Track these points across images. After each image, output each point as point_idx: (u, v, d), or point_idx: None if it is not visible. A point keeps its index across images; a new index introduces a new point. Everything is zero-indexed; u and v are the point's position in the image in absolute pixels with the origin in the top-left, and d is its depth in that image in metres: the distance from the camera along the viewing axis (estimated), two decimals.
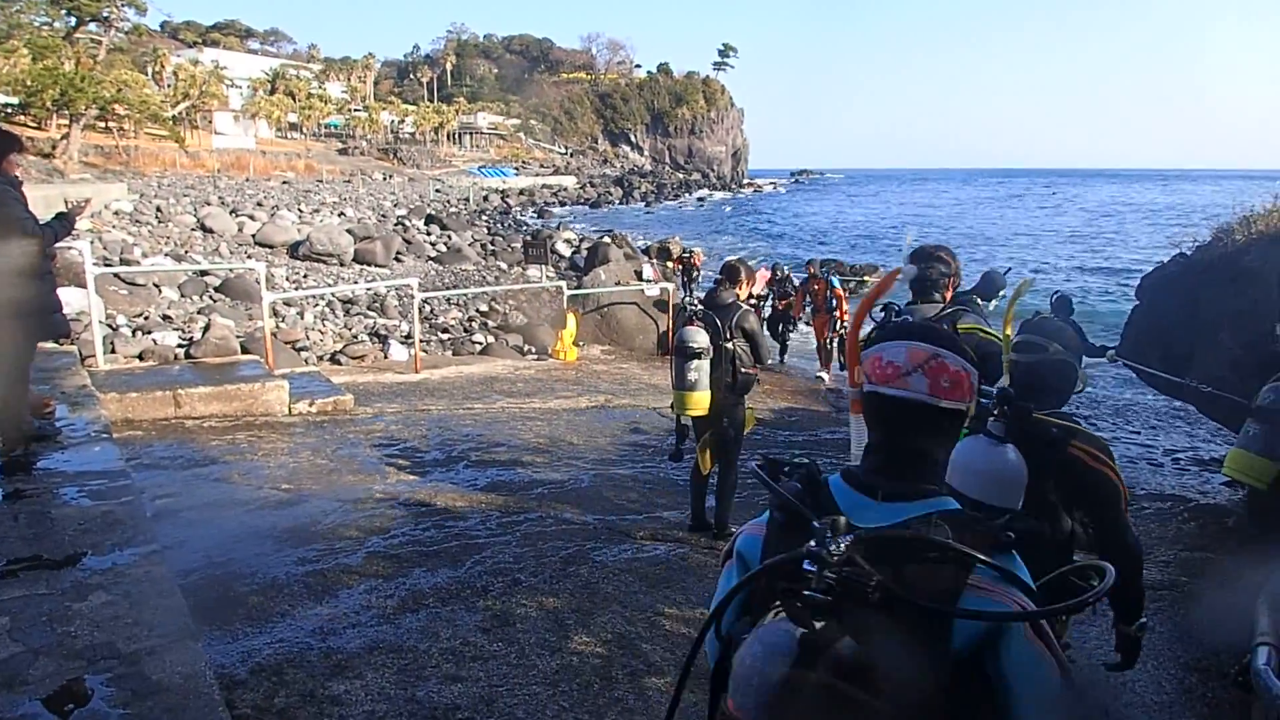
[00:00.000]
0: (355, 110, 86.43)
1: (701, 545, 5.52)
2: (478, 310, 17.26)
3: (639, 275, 16.94)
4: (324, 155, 68.91)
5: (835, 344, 12.51)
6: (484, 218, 44.39)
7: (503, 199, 58.75)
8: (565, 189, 74.69)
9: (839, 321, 12.43)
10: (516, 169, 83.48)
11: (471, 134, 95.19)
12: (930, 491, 1.48)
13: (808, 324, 13.71)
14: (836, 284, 12.66)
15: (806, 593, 1.29)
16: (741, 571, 1.56)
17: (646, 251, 26.76)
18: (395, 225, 31.59)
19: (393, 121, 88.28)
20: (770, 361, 5.95)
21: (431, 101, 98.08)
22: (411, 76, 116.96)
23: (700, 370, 5.35)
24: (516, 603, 4.36)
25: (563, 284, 15.12)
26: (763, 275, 13.70)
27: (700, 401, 5.40)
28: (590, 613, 4.32)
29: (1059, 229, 51.92)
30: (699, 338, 5.35)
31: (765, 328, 13.13)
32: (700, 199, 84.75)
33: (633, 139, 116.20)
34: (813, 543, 1.33)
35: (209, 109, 63.91)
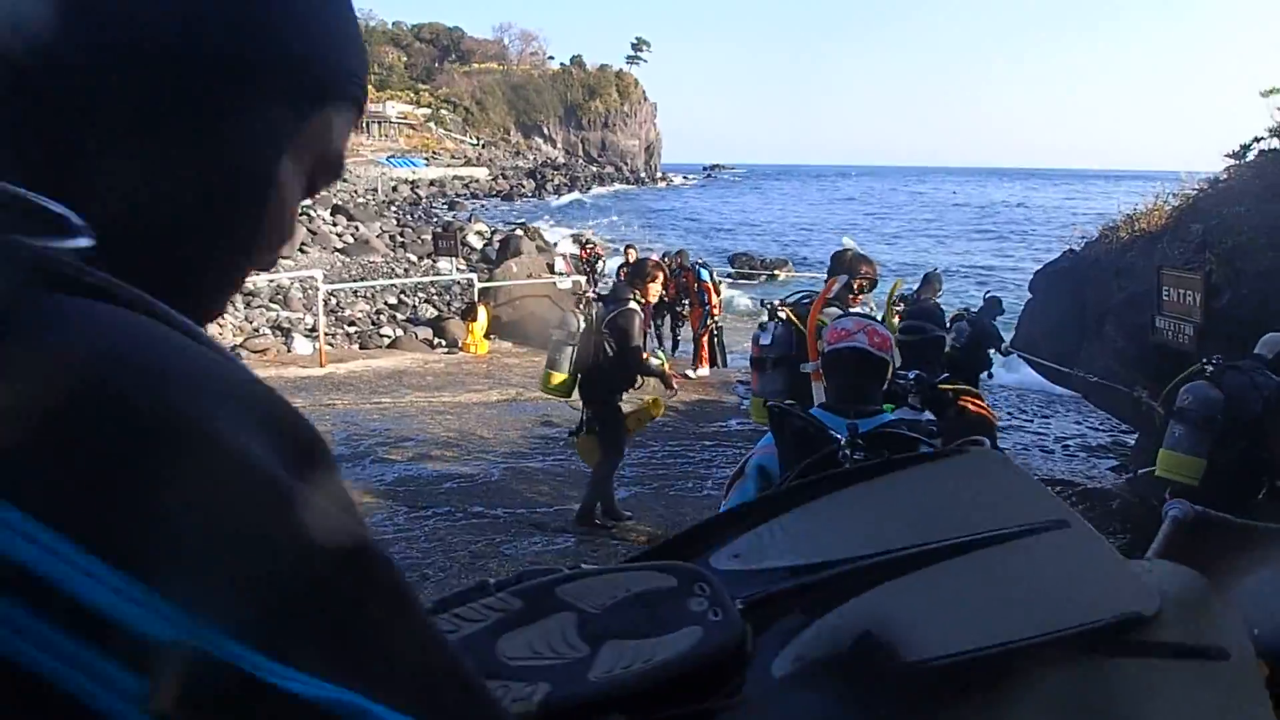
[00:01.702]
0: None
1: (613, 534, 5.54)
2: (386, 303, 16.93)
3: (551, 268, 16.87)
4: None
5: (708, 338, 12.00)
6: (393, 209, 43.49)
7: (412, 190, 57.61)
8: (477, 180, 73.69)
9: (711, 315, 12.00)
10: (427, 159, 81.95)
11: (380, 123, 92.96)
12: (879, 409, 2.44)
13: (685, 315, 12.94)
14: (705, 276, 12.17)
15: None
16: (761, 479, 2.33)
17: (556, 245, 26.66)
18: (300, 215, 30.63)
19: None
20: (658, 364, 5.81)
21: None
22: None
23: (562, 353, 5.47)
24: (424, 600, 4.29)
25: (473, 276, 14.94)
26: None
27: (558, 382, 5.51)
28: None
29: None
30: (570, 322, 5.49)
31: (659, 324, 12.68)
32: (613, 190, 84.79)
33: (545, 131, 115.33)
34: (842, 439, 2.17)
35: None
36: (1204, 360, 4.32)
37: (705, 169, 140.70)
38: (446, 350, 13.07)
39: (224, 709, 0.30)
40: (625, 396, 5.64)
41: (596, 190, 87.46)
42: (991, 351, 8.70)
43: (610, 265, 17.99)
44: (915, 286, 9.28)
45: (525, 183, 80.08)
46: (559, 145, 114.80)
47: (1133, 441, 8.84)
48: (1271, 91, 8.00)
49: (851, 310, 4.72)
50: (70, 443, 0.31)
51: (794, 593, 0.76)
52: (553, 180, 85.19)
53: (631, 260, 12.48)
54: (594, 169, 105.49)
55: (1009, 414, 10.93)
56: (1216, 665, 0.80)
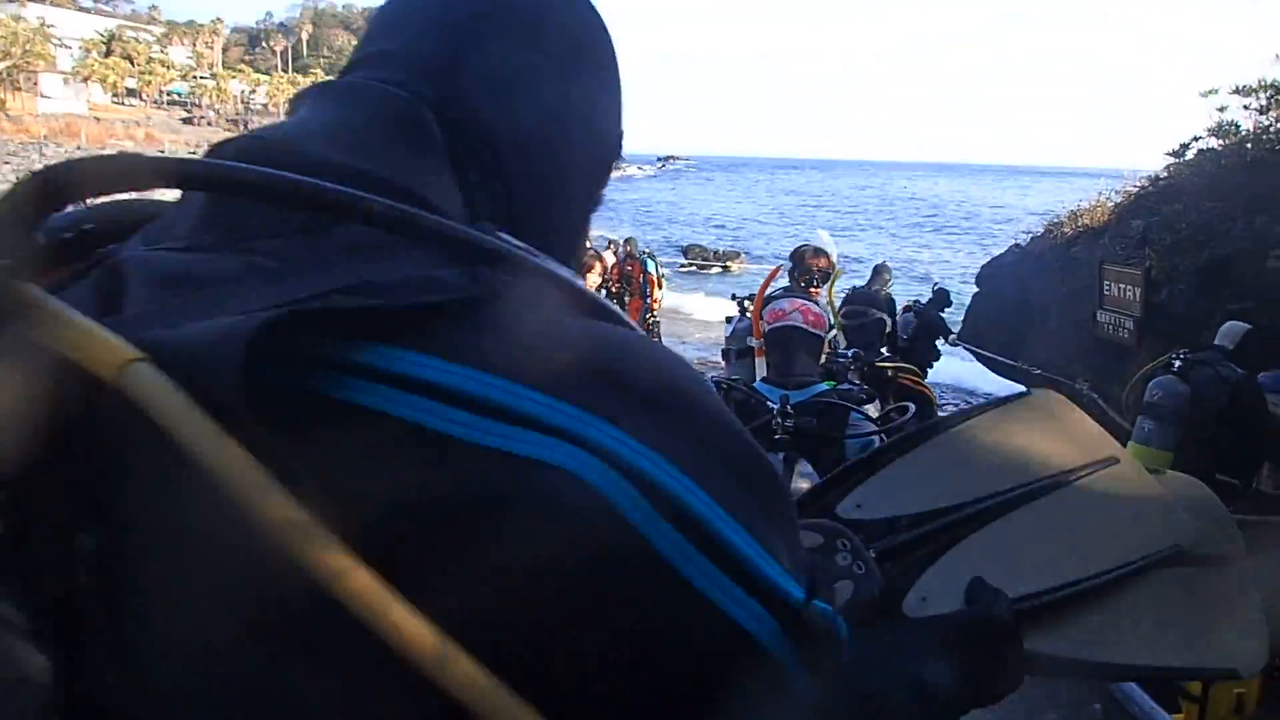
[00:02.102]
0: (201, 78, 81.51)
1: None
2: None
3: None
4: (166, 125, 64.79)
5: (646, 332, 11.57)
6: None
7: None
8: None
9: (651, 310, 11.40)
10: None
11: None
12: (814, 381, 2.66)
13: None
14: (651, 268, 11.54)
15: (777, 436, 2.41)
16: None
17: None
18: None
19: (243, 91, 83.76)
20: None
21: (286, 72, 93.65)
22: (264, 44, 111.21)
23: None
24: None
25: None
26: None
27: None
28: None
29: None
30: None
31: None
32: None
33: None
34: (775, 409, 2.44)
35: (33, 70, 58.91)
36: (1171, 355, 4.37)
37: (659, 160, 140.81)
38: None
39: (812, 642, 0.42)
40: None
41: None
42: (939, 342, 8.87)
43: None
44: (867, 279, 9.39)
45: None
46: None
47: None
48: (1210, 92, 8.22)
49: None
50: (704, 434, 0.42)
51: (913, 542, 0.87)
52: None
53: (625, 249, 12.18)
54: None
55: (955, 405, 11.14)
56: (1223, 569, 1.03)
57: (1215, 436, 4.03)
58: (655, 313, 11.67)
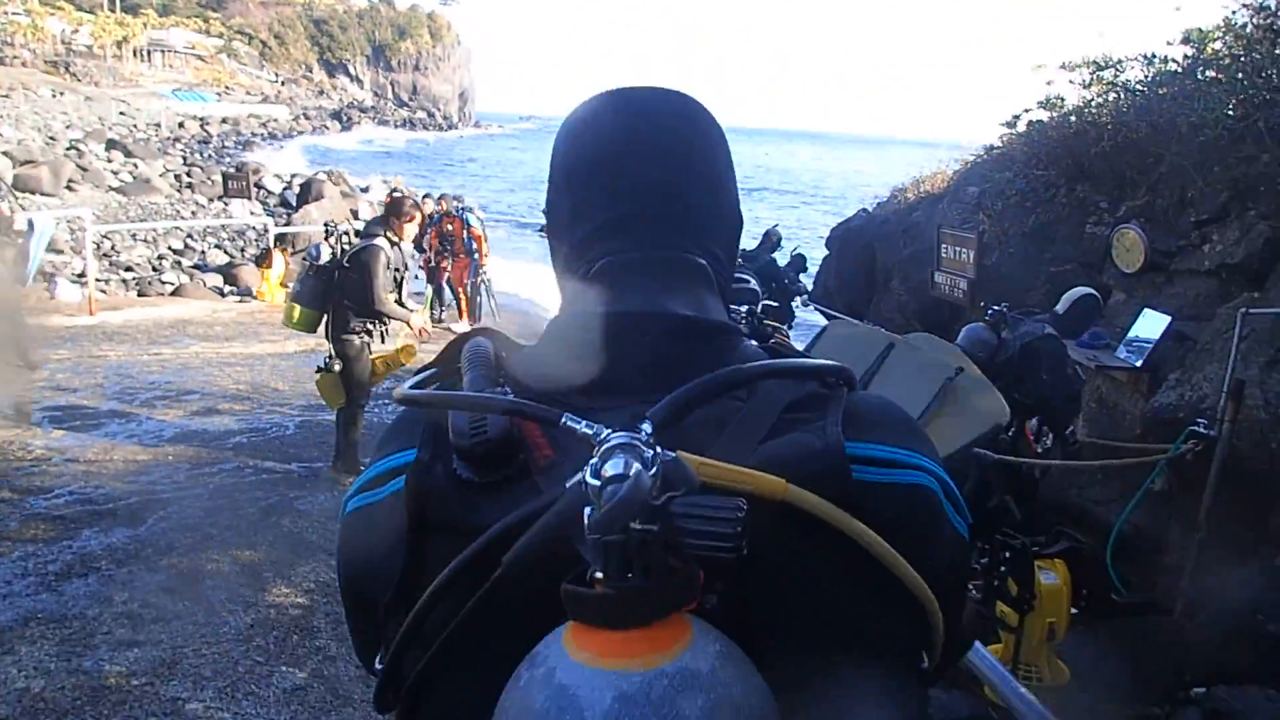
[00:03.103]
0: (13, 14, 74.05)
1: None
2: (169, 248, 15.65)
3: (355, 214, 16.09)
4: None
5: (483, 289, 11.04)
6: (179, 146, 40.08)
7: (202, 127, 53.12)
8: (276, 120, 68.92)
9: (480, 266, 10.83)
10: (218, 94, 75.70)
11: (164, 52, 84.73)
12: None
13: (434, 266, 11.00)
14: (474, 223, 10.88)
15: None
16: None
17: (365, 190, 25.53)
18: (68, 150, 27.70)
19: (64, 31, 76.64)
20: (409, 309, 5.57)
21: (113, 11, 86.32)
22: None
23: (305, 285, 5.25)
24: (207, 559, 4.04)
25: (269, 221, 14.03)
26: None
27: (292, 315, 5.26)
28: (292, 564, 4.09)
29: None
30: (320, 252, 5.25)
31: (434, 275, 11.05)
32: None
33: (352, 71, 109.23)
34: None
35: None
36: (988, 306, 4.81)
37: (522, 119, 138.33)
38: (239, 299, 12.24)
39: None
40: (377, 342, 5.38)
41: (410, 135, 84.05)
42: (794, 304, 9.15)
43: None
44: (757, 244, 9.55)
45: (330, 124, 75.88)
46: (366, 86, 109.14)
47: None
48: (1039, 67, 8.69)
49: None
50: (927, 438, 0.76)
51: None
52: (360, 123, 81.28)
53: (438, 209, 11.58)
54: (405, 113, 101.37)
55: None
56: (962, 375, 2.24)
57: (1006, 387, 4.42)
58: (485, 269, 11.01)
